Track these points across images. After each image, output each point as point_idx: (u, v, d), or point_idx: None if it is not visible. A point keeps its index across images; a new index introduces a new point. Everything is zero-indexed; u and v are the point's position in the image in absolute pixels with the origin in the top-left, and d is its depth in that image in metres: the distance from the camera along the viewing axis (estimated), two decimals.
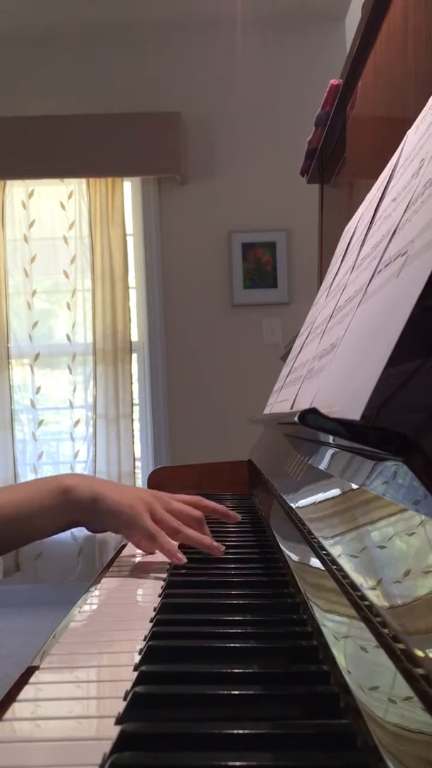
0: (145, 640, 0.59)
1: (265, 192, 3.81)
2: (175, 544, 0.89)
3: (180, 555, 0.86)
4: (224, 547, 0.88)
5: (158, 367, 3.87)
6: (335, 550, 0.52)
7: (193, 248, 3.86)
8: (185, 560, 0.85)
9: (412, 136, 0.76)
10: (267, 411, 1.47)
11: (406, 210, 0.60)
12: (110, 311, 3.82)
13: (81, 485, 0.89)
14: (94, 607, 0.76)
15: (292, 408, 0.93)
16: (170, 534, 0.88)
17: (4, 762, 0.41)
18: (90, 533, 0.99)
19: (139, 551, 0.98)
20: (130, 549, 1.02)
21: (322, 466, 0.70)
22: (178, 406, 3.85)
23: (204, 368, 3.83)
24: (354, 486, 0.54)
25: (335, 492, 0.61)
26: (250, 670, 0.50)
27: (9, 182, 3.86)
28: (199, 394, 3.82)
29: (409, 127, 0.79)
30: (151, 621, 0.65)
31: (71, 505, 0.88)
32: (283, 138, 3.68)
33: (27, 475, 3.90)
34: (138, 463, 3.90)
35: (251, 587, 0.75)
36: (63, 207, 3.89)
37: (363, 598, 0.43)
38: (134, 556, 0.98)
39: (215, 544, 0.88)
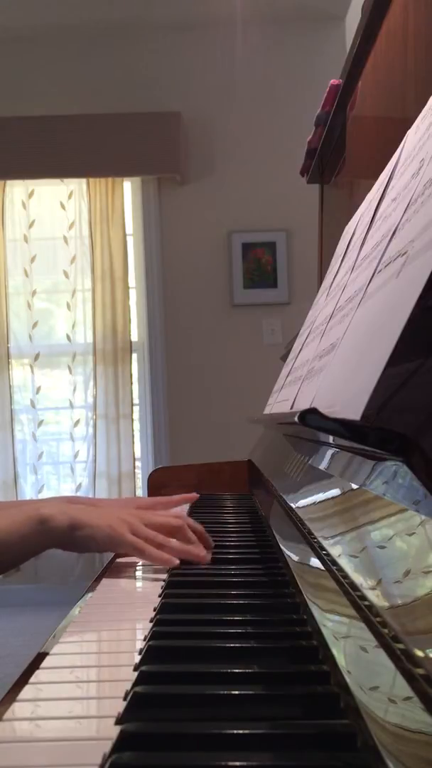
0: (145, 640, 0.59)
1: (265, 192, 3.81)
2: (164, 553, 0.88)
3: (173, 559, 0.85)
4: (210, 556, 0.88)
5: (158, 367, 3.87)
6: (335, 550, 0.52)
7: (193, 248, 3.86)
8: (177, 562, 0.85)
9: (412, 136, 0.76)
10: (267, 411, 1.47)
11: (406, 210, 0.60)
12: (110, 311, 3.82)
13: (58, 514, 0.88)
14: (94, 607, 0.76)
15: (292, 408, 0.93)
16: (155, 548, 0.88)
17: (4, 762, 0.41)
18: None
19: None
20: None
21: (322, 466, 0.70)
22: (178, 406, 3.85)
23: (204, 368, 3.83)
24: (354, 486, 0.54)
25: (335, 492, 0.61)
26: (250, 670, 0.50)
27: (9, 182, 3.86)
28: (199, 394, 3.82)
29: (409, 127, 0.79)
30: (151, 621, 0.65)
31: (48, 534, 0.88)
32: (283, 138, 3.68)
33: (27, 476, 3.90)
34: (138, 463, 3.90)
35: (251, 587, 0.75)
36: (63, 207, 3.88)
37: (363, 598, 0.43)
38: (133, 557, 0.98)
39: (201, 553, 0.88)
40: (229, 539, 1.02)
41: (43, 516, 0.88)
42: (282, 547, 0.80)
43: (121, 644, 0.64)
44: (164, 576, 0.84)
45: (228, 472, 1.72)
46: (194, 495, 1.27)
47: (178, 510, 1.00)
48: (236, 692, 0.47)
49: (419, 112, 0.76)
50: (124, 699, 0.47)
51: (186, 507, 1.27)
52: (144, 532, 0.89)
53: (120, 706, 0.47)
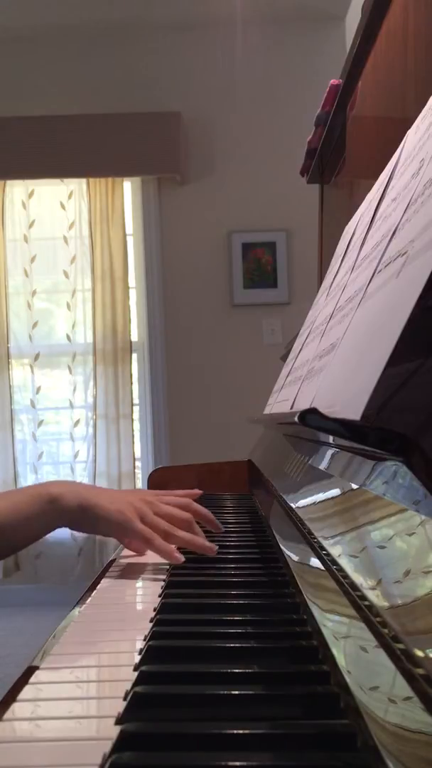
0: (145, 640, 0.59)
1: (265, 192, 3.81)
2: (171, 545, 0.89)
3: (177, 554, 0.86)
4: (217, 547, 0.88)
5: (158, 367, 3.87)
6: (335, 550, 0.52)
7: (193, 248, 3.86)
8: (183, 559, 0.85)
9: (412, 136, 0.76)
10: (267, 411, 1.47)
11: (406, 210, 0.60)
12: (110, 311, 3.82)
13: (68, 493, 0.88)
14: (94, 607, 0.76)
15: (292, 408, 0.93)
16: (162, 537, 0.88)
17: (4, 762, 0.41)
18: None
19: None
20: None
21: (322, 466, 0.70)
22: (178, 406, 3.85)
23: (204, 368, 3.83)
24: (354, 486, 0.54)
25: (335, 492, 0.61)
26: (250, 670, 0.50)
27: (9, 182, 3.86)
28: (199, 394, 3.82)
29: (409, 127, 0.79)
30: (151, 621, 0.65)
31: (58, 513, 0.88)
32: (283, 138, 3.68)
33: (27, 475, 3.90)
34: (138, 463, 3.90)
35: (251, 587, 0.75)
36: (63, 207, 3.88)
37: (363, 598, 0.43)
38: (134, 556, 0.98)
39: (207, 544, 0.88)
40: (229, 539, 1.02)
41: (53, 494, 0.88)
42: (282, 547, 0.80)
43: (121, 644, 0.64)
44: (164, 576, 0.84)
45: (228, 472, 1.72)
46: (197, 491, 1.27)
47: (185, 501, 1.00)
48: (236, 692, 0.47)
49: (419, 112, 0.76)
50: (124, 699, 0.47)
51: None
52: (153, 521, 0.89)
53: (120, 706, 0.47)
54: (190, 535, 0.90)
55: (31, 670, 0.55)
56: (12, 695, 0.50)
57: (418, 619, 0.35)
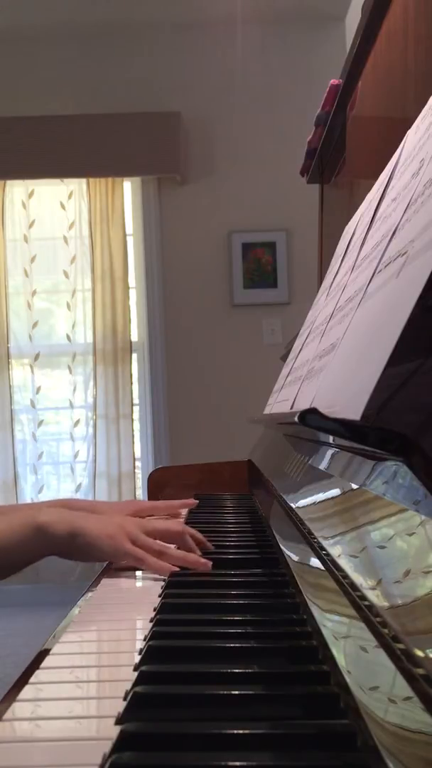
0: (145, 640, 0.59)
1: (265, 192, 3.81)
2: (163, 563, 0.88)
3: (172, 568, 0.85)
4: (210, 563, 0.87)
5: (158, 367, 3.87)
6: (335, 550, 0.52)
7: (193, 248, 3.86)
8: (177, 569, 0.85)
9: (412, 136, 0.76)
10: (267, 411, 1.47)
11: (406, 210, 0.60)
12: (110, 311, 3.82)
13: (57, 521, 0.87)
14: (94, 607, 0.76)
15: (292, 408, 0.93)
16: (155, 556, 0.88)
17: (4, 762, 0.41)
18: None
19: None
20: None
21: (322, 466, 0.70)
22: (178, 406, 3.85)
23: (204, 368, 3.83)
24: (354, 486, 0.54)
25: (335, 492, 0.61)
26: (250, 670, 0.50)
27: (9, 182, 3.86)
28: (199, 394, 3.82)
29: (409, 127, 0.79)
30: (151, 621, 0.65)
31: (47, 541, 0.87)
32: (283, 138, 3.68)
33: (27, 476, 3.89)
34: (138, 463, 3.90)
35: (251, 587, 0.75)
36: (63, 207, 3.88)
37: (363, 598, 0.43)
38: None
39: (201, 560, 0.88)
40: (229, 539, 1.02)
41: (41, 523, 0.87)
42: (282, 547, 0.80)
43: (121, 644, 0.64)
44: (164, 576, 0.84)
45: (228, 472, 1.72)
46: (193, 501, 1.28)
47: (175, 520, 1.00)
48: (236, 692, 0.47)
49: (419, 112, 0.76)
50: (124, 699, 0.47)
51: (184, 511, 1.27)
52: (143, 541, 0.89)
53: (120, 706, 0.47)
54: (182, 552, 0.89)
55: (31, 669, 0.55)
56: (12, 695, 0.50)
57: (418, 619, 0.35)
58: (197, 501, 1.29)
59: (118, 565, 0.91)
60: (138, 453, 3.90)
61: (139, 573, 0.89)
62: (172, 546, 0.91)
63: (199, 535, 0.96)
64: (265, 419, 1.38)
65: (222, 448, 2.52)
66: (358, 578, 0.45)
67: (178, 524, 0.96)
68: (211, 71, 3.82)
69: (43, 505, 1.17)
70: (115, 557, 0.90)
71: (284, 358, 1.59)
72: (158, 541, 0.90)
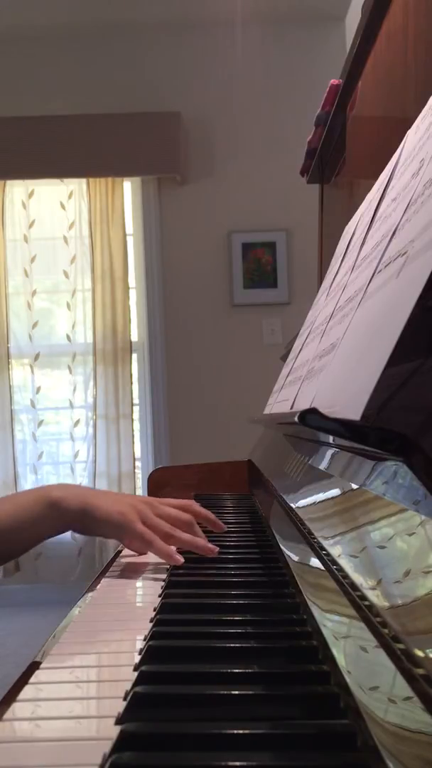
0: (145, 640, 0.58)
1: (265, 192, 3.81)
2: (171, 546, 0.89)
3: (177, 556, 0.86)
4: (218, 548, 0.88)
5: (158, 367, 3.87)
6: (335, 550, 0.52)
7: (193, 248, 3.86)
8: (182, 560, 0.85)
9: (412, 136, 0.76)
10: (267, 411, 1.47)
11: (406, 210, 0.60)
12: (110, 311, 3.82)
13: (69, 496, 0.89)
14: (94, 607, 0.76)
15: (292, 408, 0.93)
16: (163, 538, 0.89)
17: (4, 762, 0.41)
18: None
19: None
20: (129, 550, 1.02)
21: (322, 466, 0.70)
22: (178, 406, 3.85)
23: (204, 368, 3.83)
24: (354, 486, 0.54)
25: (335, 492, 0.61)
26: (250, 670, 0.50)
27: (9, 182, 3.86)
28: (199, 394, 3.82)
29: (409, 127, 0.79)
30: (151, 621, 0.65)
31: (60, 516, 0.88)
32: (283, 138, 3.68)
33: (27, 476, 3.89)
34: (138, 463, 3.90)
35: (251, 587, 0.75)
36: (63, 207, 3.89)
37: (363, 598, 0.43)
38: (134, 556, 0.98)
39: (209, 545, 0.88)
40: (229, 539, 1.02)
41: (54, 498, 0.88)
42: (282, 547, 0.80)
43: (121, 644, 0.64)
44: (164, 576, 0.84)
45: (228, 472, 1.72)
46: (222, 525, 1.27)
47: (187, 502, 1.00)
48: (236, 692, 0.47)
49: (419, 112, 0.76)
50: (124, 699, 0.47)
51: None
52: (154, 522, 0.89)
53: (120, 706, 0.47)
54: (190, 536, 0.90)
55: (31, 669, 0.55)
56: (12, 695, 0.50)
57: (418, 619, 0.35)
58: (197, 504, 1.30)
59: (125, 544, 0.92)
60: (138, 453, 3.90)
61: (139, 573, 0.89)
62: (181, 532, 0.91)
63: (209, 513, 0.97)
64: (265, 419, 1.38)
65: (222, 448, 2.52)
66: (358, 578, 0.45)
67: (187, 512, 0.96)
68: (211, 71, 3.82)
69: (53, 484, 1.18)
70: (125, 534, 0.90)
71: (284, 358, 1.59)
72: (167, 524, 0.90)
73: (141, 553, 0.96)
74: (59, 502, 0.88)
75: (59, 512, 0.88)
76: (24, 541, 0.91)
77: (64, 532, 0.91)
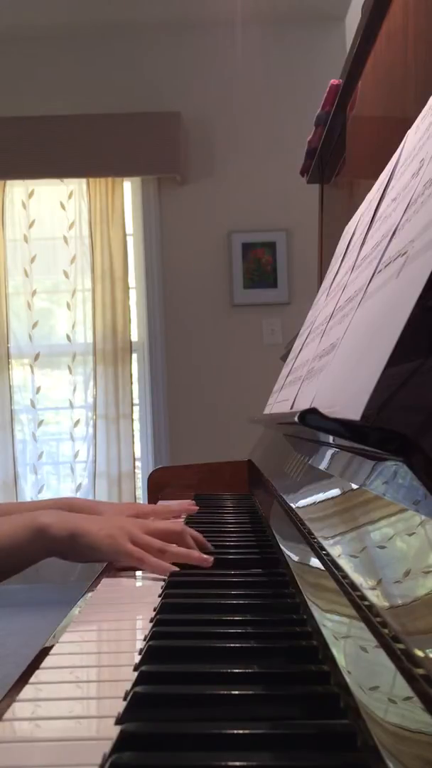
0: (145, 640, 0.59)
1: (265, 192, 3.81)
2: (163, 562, 0.88)
3: (173, 568, 0.85)
4: (212, 559, 0.88)
5: (158, 367, 3.87)
6: (335, 550, 0.52)
7: (193, 248, 3.86)
8: (176, 569, 0.85)
9: (412, 136, 0.76)
10: (267, 411, 1.47)
11: (406, 210, 0.60)
12: (110, 311, 3.82)
13: (56, 523, 0.88)
14: (94, 607, 0.76)
15: (292, 408, 0.93)
16: (156, 555, 0.88)
17: (4, 762, 0.41)
18: None
19: None
20: None
21: (322, 466, 0.70)
22: (178, 406, 3.85)
23: (204, 368, 3.83)
24: (354, 486, 0.54)
25: (335, 492, 0.61)
26: (250, 670, 0.50)
27: (9, 182, 3.86)
28: (199, 394, 3.82)
29: (409, 127, 0.79)
30: (151, 621, 0.65)
31: (47, 543, 0.88)
32: (283, 138, 3.68)
33: (27, 476, 3.89)
34: (138, 463, 3.90)
35: (251, 587, 0.75)
36: (63, 207, 3.88)
37: (363, 598, 0.43)
38: None
39: (203, 556, 0.88)
40: (229, 539, 1.02)
41: (42, 524, 0.88)
42: (282, 547, 0.80)
43: (121, 644, 0.64)
44: (164, 576, 0.84)
45: (228, 472, 1.72)
46: (194, 507, 1.28)
47: (175, 521, 1.00)
48: (236, 692, 0.47)
49: (419, 112, 0.76)
50: (124, 699, 0.47)
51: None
52: (144, 540, 0.89)
53: (120, 706, 0.47)
54: (184, 549, 0.90)
55: (31, 669, 0.55)
56: (12, 695, 0.50)
57: (418, 619, 0.35)
58: (197, 507, 1.30)
59: (118, 566, 0.92)
60: (138, 453, 3.90)
61: (139, 573, 0.89)
62: (173, 545, 0.91)
63: (200, 536, 0.96)
64: (265, 419, 1.38)
65: (222, 448, 2.52)
66: (358, 578, 0.45)
67: (178, 524, 0.96)
68: (211, 71, 3.82)
69: (43, 504, 1.17)
70: (116, 557, 0.90)
71: (284, 358, 1.59)
72: (158, 540, 0.90)
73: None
74: (46, 528, 0.88)
75: (46, 539, 0.88)
76: (9, 567, 0.91)
77: (50, 557, 0.90)
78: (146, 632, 0.60)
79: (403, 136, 0.80)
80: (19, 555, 0.89)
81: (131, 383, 3.86)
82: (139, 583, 0.86)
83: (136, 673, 0.51)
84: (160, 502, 1.48)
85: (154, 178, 3.86)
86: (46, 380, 3.96)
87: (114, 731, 0.42)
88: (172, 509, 1.25)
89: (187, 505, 1.31)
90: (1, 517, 0.93)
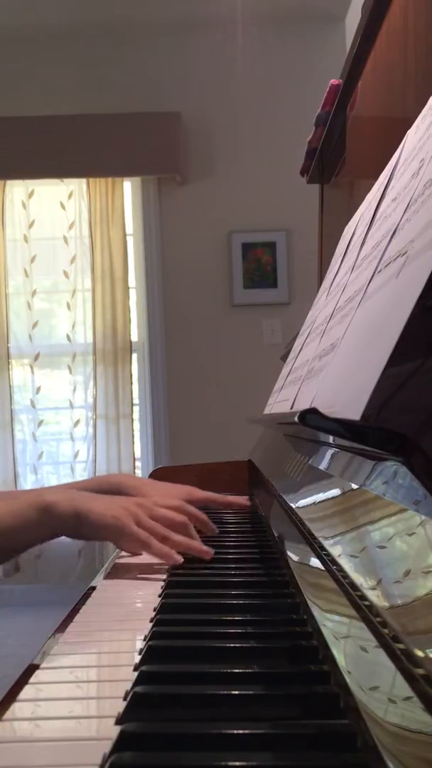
0: (145, 640, 0.58)
1: (265, 192, 3.81)
2: (168, 548, 0.88)
3: (177, 556, 0.85)
4: (213, 551, 0.88)
5: (158, 367, 3.87)
6: (335, 550, 0.52)
7: (193, 248, 3.86)
8: (182, 560, 0.85)
9: (412, 136, 0.76)
10: (267, 411, 1.47)
11: (406, 210, 0.60)
12: (110, 311, 3.82)
13: (62, 501, 0.88)
14: (94, 607, 0.76)
15: (292, 408, 0.93)
16: (158, 540, 0.88)
17: (4, 762, 0.41)
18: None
19: None
20: None
21: (322, 466, 0.70)
22: (178, 406, 3.85)
23: (204, 368, 3.83)
24: (354, 486, 0.54)
25: (335, 492, 0.61)
26: (250, 670, 0.50)
27: (9, 182, 3.86)
28: (199, 394, 3.82)
29: (409, 127, 0.79)
30: (151, 621, 0.65)
31: (53, 520, 0.88)
32: (283, 138, 3.68)
33: (27, 476, 3.89)
34: (138, 463, 3.90)
35: (251, 587, 0.75)
36: (63, 207, 3.88)
37: (363, 598, 0.43)
38: (133, 556, 0.98)
39: (204, 548, 0.88)
40: (229, 539, 1.02)
41: (47, 502, 0.88)
42: (282, 547, 0.80)
43: (121, 644, 0.64)
44: (164, 576, 0.84)
45: (228, 472, 1.72)
46: (247, 503, 1.28)
47: (179, 503, 0.99)
48: (236, 692, 0.47)
49: (419, 112, 0.76)
50: (124, 699, 0.47)
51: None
52: (149, 524, 0.89)
53: (120, 706, 0.47)
54: (186, 538, 0.90)
55: (31, 669, 0.55)
56: (12, 695, 0.50)
57: (418, 619, 0.35)
58: (249, 504, 1.29)
59: (122, 549, 0.92)
60: (138, 453, 3.90)
61: (139, 573, 0.89)
62: (177, 535, 0.91)
63: (202, 515, 0.96)
64: (265, 419, 1.38)
65: (222, 448, 2.52)
66: (358, 578, 0.45)
67: (181, 514, 0.96)
68: (211, 71, 3.82)
69: (93, 482, 1.17)
70: (120, 537, 0.89)
71: (284, 358, 1.59)
72: (162, 527, 0.90)
73: (136, 554, 0.96)
74: (52, 506, 0.87)
75: (52, 517, 0.87)
76: (16, 545, 0.91)
77: (57, 536, 0.90)
78: (146, 632, 0.60)
79: (403, 136, 0.80)
80: (25, 533, 0.89)
81: (131, 383, 3.86)
82: (138, 583, 0.86)
83: (136, 673, 0.51)
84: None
85: (154, 178, 3.86)
86: (46, 380, 3.96)
87: (114, 731, 0.42)
88: (228, 500, 1.24)
89: (243, 500, 1.30)
90: (6, 498, 0.93)
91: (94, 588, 0.83)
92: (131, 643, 0.62)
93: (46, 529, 0.89)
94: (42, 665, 0.56)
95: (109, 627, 0.68)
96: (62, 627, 0.67)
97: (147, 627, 0.62)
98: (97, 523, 0.88)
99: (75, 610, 0.73)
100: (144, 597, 0.78)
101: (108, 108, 3.81)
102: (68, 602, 0.77)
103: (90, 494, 0.96)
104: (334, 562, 0.52)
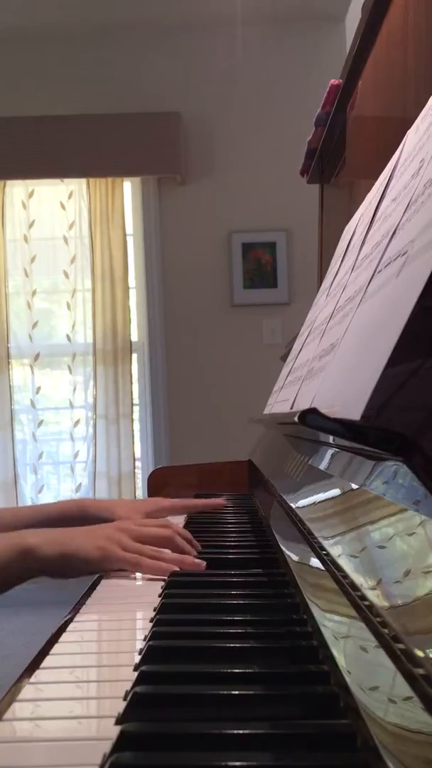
0: (145, 640, 0.58)
1: (265, 192, 3.81)
2: (160, 562, 0.87)
3: (170, 566, 0.85)
4: (204, 563, 0.87)
5: (158, 367, 3.87)
6: (335, 550, 0.52)
7: (193, 248, 3.86)
8: (176, 568, 0.85)
9: (412, 136, 0.76)
10: (267, 411, 1.47)
11: (406, 210, 0.60)
12: (110, 311, 3.82)
13: (45, 544, 0.86)
14: (94, 607, 0.76)
15: (292, 408, 0.93)
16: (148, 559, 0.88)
17: (4, 762, 0.41)
18: None
19: None
20: None
21: (322, 466, 0.70)
22: (178, 406, 3.85)
23: (204, 368, 3.83)
24: (354, 486, 0.54)
25: (335, 492, 0.61)
26: (250, 670, 0.50)
27: (9, 182, 3.86)
28: (199, 394, 3.82)
29: (409, 127, 0.79)
30: (151, 621, 0.65)
31: (35, 564, 0.86)
32: (283, 138, 3.68)
33: (27, 476, 3.89)
34: (138, 463, 3.90)
35: (251, 587, 0.75)
36: (63, 207, 3.88)
37: (363, 598, 0.43)
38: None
39: (196, 561, 0.87)
40: (229, 539, 1.02)
41: (28, 546, 0.86)
42: (282, 547, 0.80)
43: (121, 644, 0.64)
44: (163, 577, 0.84)
45: (228, 472, 1.72)
46: (221, 501, 1.27)
47: (164, 519, 0.99)
48: (236, 692, 0.47)
49: (419, 112, 0.76)
50: (124, 699, 0.47)
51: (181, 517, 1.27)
52: (135, 547, 0.88)
53: (120, 706, 0.47)
54: (176, 555, 0.89)
55: (31, 669, 0.55)
56: (12, 695, 0.50)
57: (418, 619, 0.35)
58: (224, 502, 1.29)
59: (114, 571, 0.91)
60: (138, 453, 3.90)
61: (138, 574, 0.89)
62: (166, 550, 0.90)
63: (186, 533, 0.96)
64: (265, 419, 1.38)
65: (222, 448, 2.52)
66: (358, 578, 0.45)
67: (166, 529, 0.95)
68: (211, 71, 3.82)
69: (56, 507, 1.15)
70: (110, 567, 0.89)
71: (284, 358, 1.59)
72: (150, 546, 0.89)
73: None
74: (35, 549, 0.86)
75: (35, 560, 0.86)
76: None
77: (37, 577, 0.88)
78: (146, 632, 0.60)
79: (403, 136, 0.80)
80: (6, 575, 0.87)
81: (131, 383, 3.86)
82: (138, 583, 0.86)
83: (136, 673, 0.51)
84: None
85: (154, 178, 3.86)
86: (46, 380, 3.96)
87: (114, 731, 0.42)
88: (195, 504, 1.24)
89: (220, 501, 1.29)
90: None
91: (94, 588, 0.83)
92: (131, 643, 0.62)
93: (25, 572, 0.87)
94: (42, 665, 0.56)
95: (108, 627, 0.68)
96: (59, 631, 0.67)
97: (147, 627, 0.62)
98: (83, 560, 0.87)
99: (75, 610, 0.73)
100: (144, 597, 0.78)
101: (108, 108, 3.81)
102: (68, 602, 0.77)
103: (70, 531, 0.93)
104: (334, 562, 0.52)
